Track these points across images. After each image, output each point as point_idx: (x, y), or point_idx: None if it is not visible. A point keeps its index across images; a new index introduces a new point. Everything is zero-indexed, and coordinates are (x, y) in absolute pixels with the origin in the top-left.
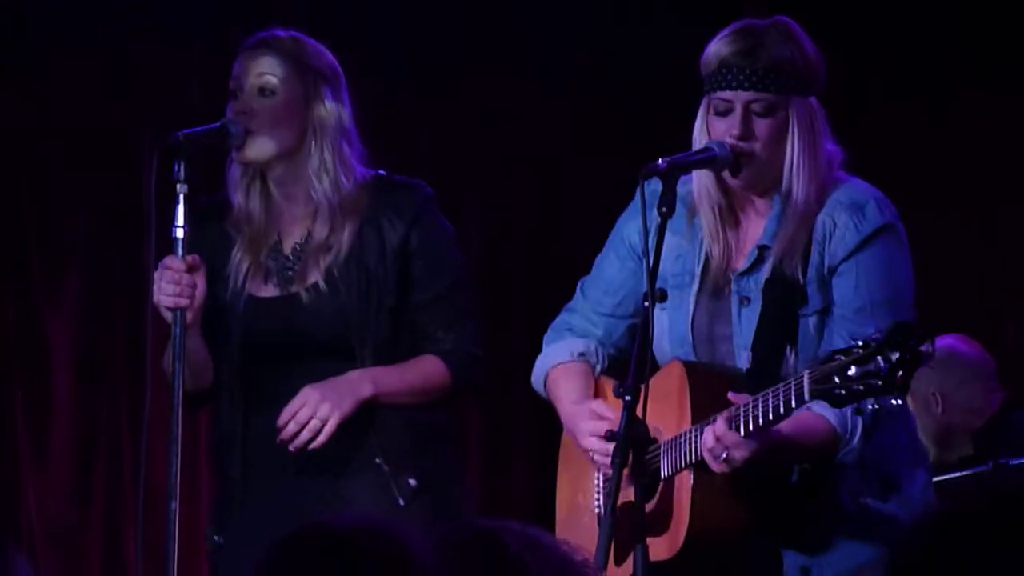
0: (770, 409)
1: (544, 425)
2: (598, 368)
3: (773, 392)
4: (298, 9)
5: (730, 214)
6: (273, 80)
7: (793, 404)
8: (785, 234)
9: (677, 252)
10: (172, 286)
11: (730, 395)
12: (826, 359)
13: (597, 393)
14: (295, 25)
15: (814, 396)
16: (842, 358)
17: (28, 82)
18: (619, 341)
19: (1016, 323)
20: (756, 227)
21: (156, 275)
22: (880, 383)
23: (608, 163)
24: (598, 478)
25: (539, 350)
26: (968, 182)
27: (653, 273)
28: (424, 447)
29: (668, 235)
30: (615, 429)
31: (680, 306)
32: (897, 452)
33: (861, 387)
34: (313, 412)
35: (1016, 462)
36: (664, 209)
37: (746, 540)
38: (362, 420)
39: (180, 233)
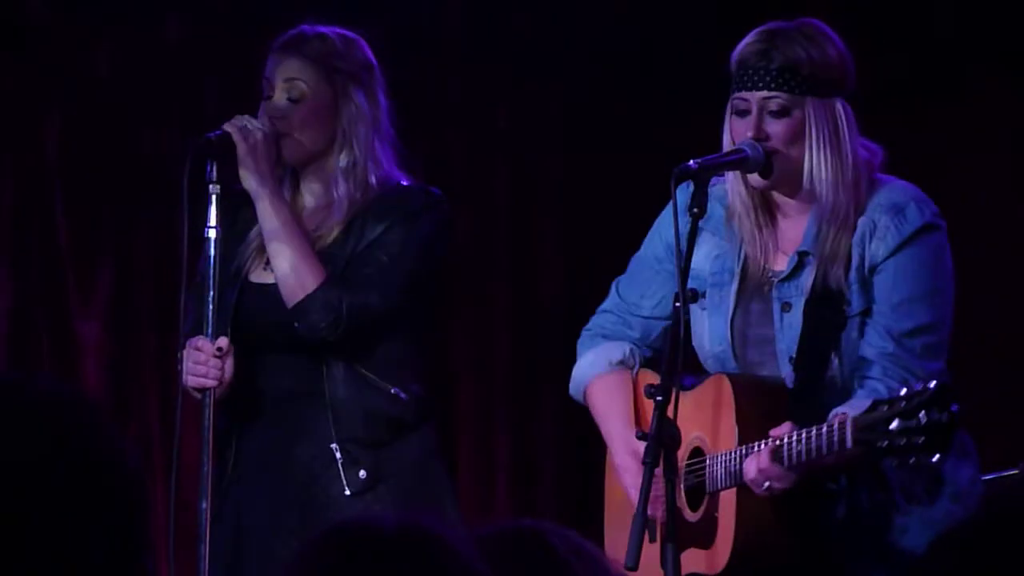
0: (812, 449)
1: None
2: (635, 370)
3: (817, 432)
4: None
5: (765, 215)
6: (301, 85)
7: (835, 449)
8: (825, 240)
9: (717, 252)
10: (200, 367)
11: (772, 431)
12: (870, 408)
13: (636, 393)
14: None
15: (857, 444)
16: (885, 408)
17: (53, 78)
18: (655, 342)
19: None
20: (793, 229)
21: (184, 354)
22: (922, 440)
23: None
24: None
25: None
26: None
27: (684, 273)
28: (379, 439)
29: (707, 235)
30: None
31: (720, 304)
32: None
33: (903, 441)
34: None
35: None
36: (695, 210)
37: (795, 555)
38: (323, 403)
39: (212, 233)
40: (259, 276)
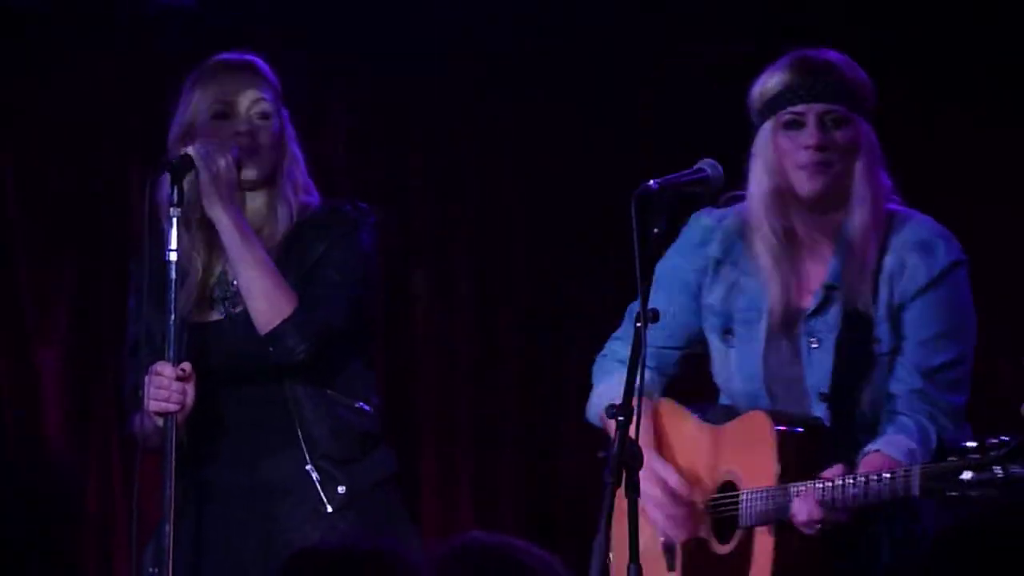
0: (871, 494)
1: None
2: (655, 395)
3: (878, 478)
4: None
5: (786, 249)
6: (267, 104)
7: (900, 496)
8: (852, 272)
9: (740, 287)
10: (161, 391)
11: (823, 473)
12: (938, 456)
13: (657, 421)
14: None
15: (924, 495)
16: (954, 459)
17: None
18: (670, 370)
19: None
20: (817, 264)
21: (146, 379)
22: (997, 493)
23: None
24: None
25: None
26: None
27: (645, 294)
28: (350, 455)
29: (728, 269)
30: (677, 492)
31: (750, 342)
32: None
33: (975, 494)
34: None
35: None
36: (656, 230)
37: None
38: (290, 428)
39: (174, 256)
40: (201, 316)
